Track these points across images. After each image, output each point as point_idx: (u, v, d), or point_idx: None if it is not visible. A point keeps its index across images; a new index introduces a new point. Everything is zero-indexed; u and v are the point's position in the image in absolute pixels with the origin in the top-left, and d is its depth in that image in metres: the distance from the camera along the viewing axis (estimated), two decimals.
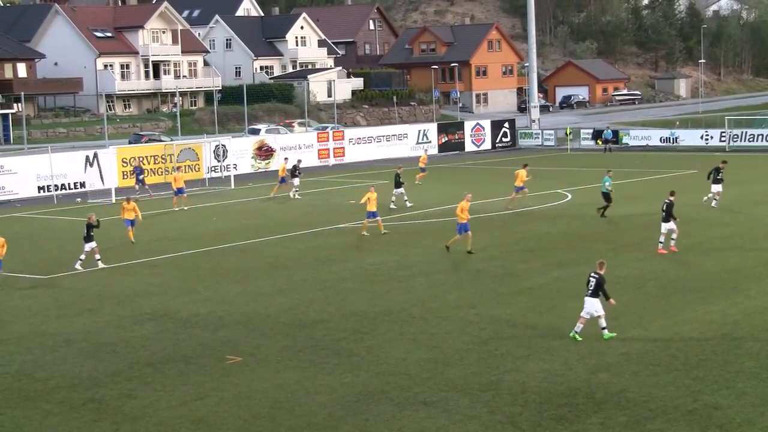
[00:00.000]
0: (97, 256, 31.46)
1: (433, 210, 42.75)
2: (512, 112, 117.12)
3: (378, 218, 36.08)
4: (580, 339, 21.17)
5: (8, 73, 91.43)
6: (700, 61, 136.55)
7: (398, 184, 43.41)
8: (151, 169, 57.34)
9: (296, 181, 48.54)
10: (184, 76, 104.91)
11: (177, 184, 45.42)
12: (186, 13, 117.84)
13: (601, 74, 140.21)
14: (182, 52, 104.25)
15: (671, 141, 73.65)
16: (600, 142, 73.67)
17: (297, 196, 47.91)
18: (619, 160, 64.87)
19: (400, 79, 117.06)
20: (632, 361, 19.74)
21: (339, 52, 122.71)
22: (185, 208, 44.90)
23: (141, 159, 56.24)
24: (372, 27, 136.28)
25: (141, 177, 53.38)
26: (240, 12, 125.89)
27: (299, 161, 51.51)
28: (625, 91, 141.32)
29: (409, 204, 43.70)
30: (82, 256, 31.21)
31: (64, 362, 20.92)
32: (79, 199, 51.02)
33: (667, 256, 30.60)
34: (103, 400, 18.43)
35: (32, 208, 48.52)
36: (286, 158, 53.83)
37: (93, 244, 31.22)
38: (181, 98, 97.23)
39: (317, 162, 67.43)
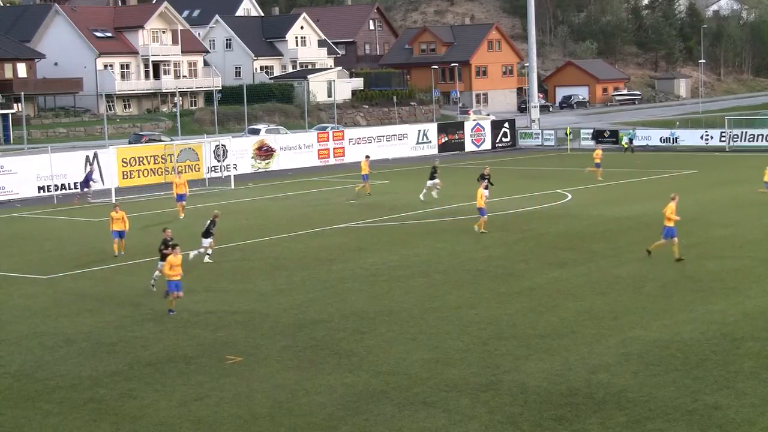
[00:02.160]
0: (210, 251, 32.04)
1: (434, 210, 42.75)
2: (512, 112, 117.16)
3: (484, 216, 35.76)
4: None
5: (8, 73, 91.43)
6: (700, 61, 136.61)
7: (490, 183, 42.56)
8: (151, 169, 57.38)
9: (436, 181, 46.45)
10: (184, 76, 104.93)
11: (178, 189, 42.85)
12: (186, 13, 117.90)
13: (601, 74, 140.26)
14: (182, 52, 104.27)
15: (671, 141, 73.65)
16: (625, 145, 71.11)
17: (435, 195, 45.83)
18: (618, 160, 64.86)
19: (400, 79, 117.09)
20: (632, 361, 19.73)
21: (339, 52, 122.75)
22: (180, 215, 42.30)
23: (92, 170, 53.83)
24: (372, 27, 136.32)
25: (89, 182, 50.98)
26: (240, 12, 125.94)
27: (437, 161, 49.35)
28: (625, 91, 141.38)
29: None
30: (201, 250, 31.90)
31: (64, 362, 20.92)
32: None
33: (667, 255, 30.58)
34: (103, 400, 18.43)
35: (32, 208, 48.52)
36: (367, 156, 52.59)
37: (210, 240, 32.03)
38: (181, 98, 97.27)
39: (317, 162, 67.49)
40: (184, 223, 41.43)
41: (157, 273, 27.11)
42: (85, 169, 54.49)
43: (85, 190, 50.95)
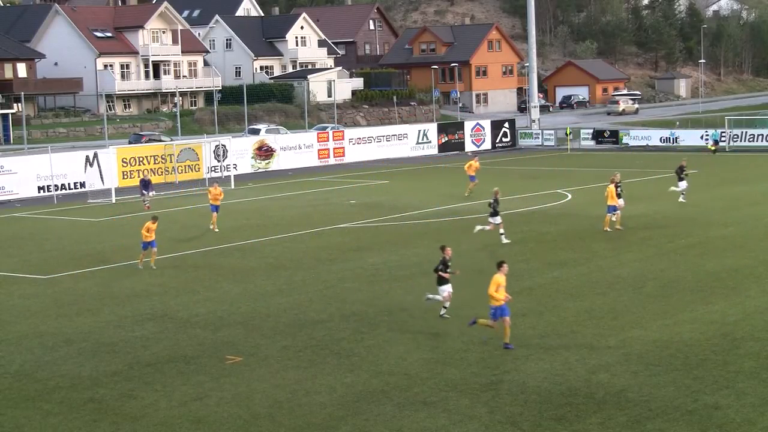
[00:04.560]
0: (501, 230, 33.29)
1: (433, 210, 42.75)
2: (512, 112, 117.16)
3: (618, 212, 35.47)
4: None
5: (8, 73, 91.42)
6: (700, 61, 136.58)
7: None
8: (151, 169, 57.37)
9: (683, 184, 42.22)
10: (184, 76, 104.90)
11: (213, 200, 38.53)
12: (186, 13, 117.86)
13: (601, 74, 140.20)
14: (182, 52, 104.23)
15: (671, 141, 73.64)
16: (712, 147, 68.01)
17: (682, 199, 42.11)
18: (619, 160, 64.88)
19: (400, 79, 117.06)
20: (632, 361, 19.73)
21: (339, 52, 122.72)
22: (214, 228, 38.13)
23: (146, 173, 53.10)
24: (372, 27, 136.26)
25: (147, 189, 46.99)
26: (240, 12, 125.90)
27: (685, 161, 43.92)
28: (625, 91, 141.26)
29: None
30: (488, 227, 33.28)
31: (64, 362, 20.92)
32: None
33: (667, 255, 30.60)
34: (103, 400, 18.43)
35: (32, 208, 48.52)
36: (475, 154, 51.05)
37: (498, 219, 33.23)
38: (181, 98, 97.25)
39: (317, 162, 67.50)
40: (183, 224, 41.40)
41: (438, 297, 23.76)
42: (85, 169, 54.60)
43: (152, 194, 47.03)
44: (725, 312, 23.40)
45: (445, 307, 23.63)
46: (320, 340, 22.03)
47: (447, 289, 23.52)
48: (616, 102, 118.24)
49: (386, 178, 57.68)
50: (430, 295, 24.02)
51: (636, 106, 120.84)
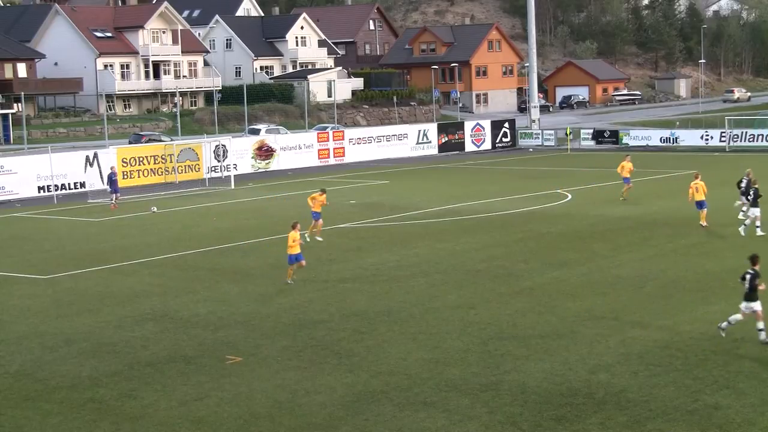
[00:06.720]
0: (758, 224, 32.99)
1: (433, 210, 42.74)
2: (512, 112, 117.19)
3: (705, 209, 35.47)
4: None
5: (8, 73, 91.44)
6: (700, 61, 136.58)
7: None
8: (151, 169, 57.38)
9: None
10: (184, 76, 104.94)
11: (315, 207, 35.28)
12: (186, 13, 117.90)
13: (601, 74, 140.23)
14: (182, 52, 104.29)
15: (671, 141, 73.64)
16: None
17: None
18: (619, 160, 64.81)
19: (400, 79, 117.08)
20: (632, 361, 19.73)
21: (339, 52, 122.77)
22: (319, 239, 35.19)
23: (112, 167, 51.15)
24: (372, 27, 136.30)
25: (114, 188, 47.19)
26: (240, 12, 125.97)
27: None
28: (625, 91, 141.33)
29: None
30: (747, 222, 33.23)
31: (64, 362, 20.91)
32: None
33: (667, 255, 30.61)
34: (103, 400, 18.43)
35: (32, 208, 48.50)
36: (627, 155, 46.13)
37: (757, 211, 32.95)
38: (181, 98, 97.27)
39: (317, 162, 67.50)
40: (183, 224, 41.33)
41: (738, 317, 20.83)
42: (85, 169, 54.60)
43: (116, 195, 46.91)
44: (725, 312, 23.31)
45: (761, 329, 20.48)
46: (320, 340, 22.03)
47: (755, 306, 20.56)
48: (732, 91, 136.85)
49: (386, 178, 57.68)
50: (724, 324, 21.05)
51: (748, 94, 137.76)
